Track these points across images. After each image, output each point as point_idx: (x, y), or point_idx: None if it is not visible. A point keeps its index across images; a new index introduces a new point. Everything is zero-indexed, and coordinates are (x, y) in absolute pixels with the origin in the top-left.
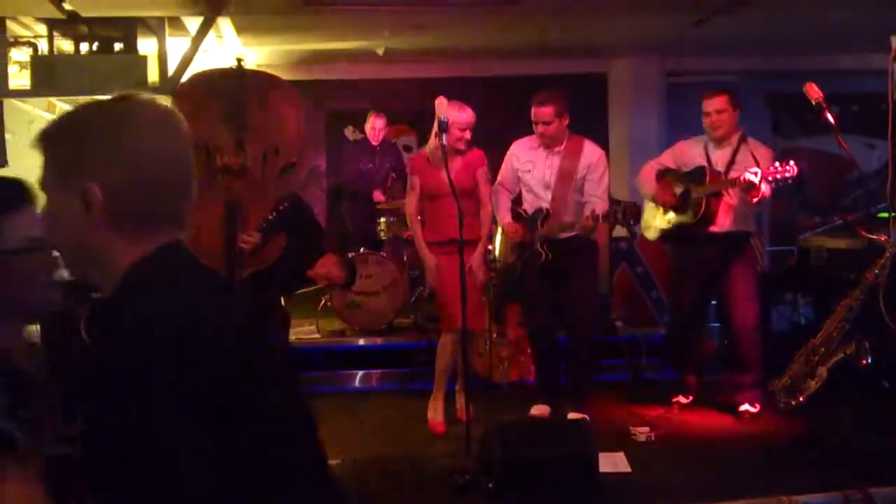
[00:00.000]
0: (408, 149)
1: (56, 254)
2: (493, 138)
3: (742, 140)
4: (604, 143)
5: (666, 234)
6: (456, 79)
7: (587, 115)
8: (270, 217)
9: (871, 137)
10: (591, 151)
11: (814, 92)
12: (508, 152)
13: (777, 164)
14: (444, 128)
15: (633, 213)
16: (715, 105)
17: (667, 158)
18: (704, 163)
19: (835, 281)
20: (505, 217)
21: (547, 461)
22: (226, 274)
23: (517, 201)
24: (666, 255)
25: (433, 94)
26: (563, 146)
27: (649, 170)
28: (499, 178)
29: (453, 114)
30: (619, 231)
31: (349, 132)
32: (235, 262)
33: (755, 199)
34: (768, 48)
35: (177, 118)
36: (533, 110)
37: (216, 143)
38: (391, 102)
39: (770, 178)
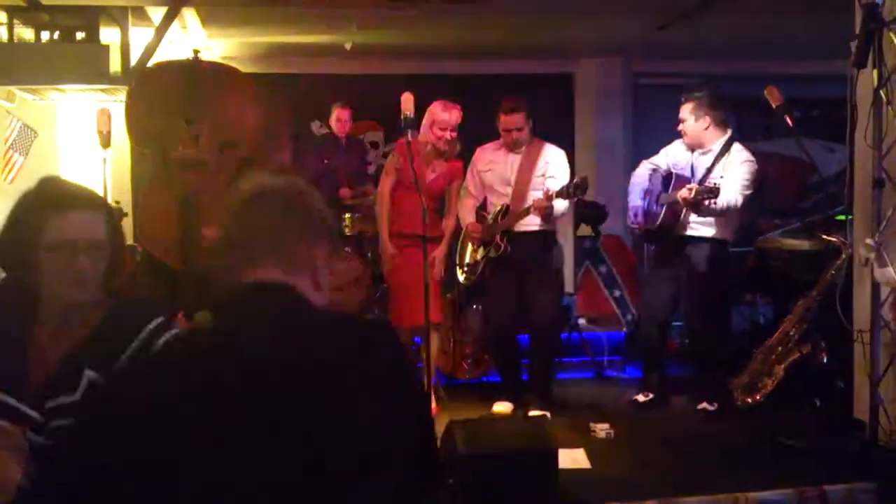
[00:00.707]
0: (374, 145)
1: (83, 259)
2: (459, 136)
3: (726, 147)
4: (570, 144)
5: (646, 233)
6: (424, 76)
7: (554, 115)
8: None
9: (831, 142)
10: (550, 150)
11: (774, 96)
12: (472, 158)
13: (708, 193)
14: (408, 123)
15: (582, 187)
16: (680, 113)
17: (660, 158)
18: (688, 166)
19: (793, 282)
20: (468, 219)
21: (507, 457)
22: (183, 266)
23: (482, 207)
24: (629, 254)
25: (401, 90)
26: (524, 147)
27: (643, 172)
28: (465, 183)
29: (436, 112)
30: (584, 230)
31: (315, 127)
32: (193, 254)
33: (699, 214)
34: (733, 52)
35: (262, 192)
36: (502, 119)
37: (172, 134)
38: (358, 97)
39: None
